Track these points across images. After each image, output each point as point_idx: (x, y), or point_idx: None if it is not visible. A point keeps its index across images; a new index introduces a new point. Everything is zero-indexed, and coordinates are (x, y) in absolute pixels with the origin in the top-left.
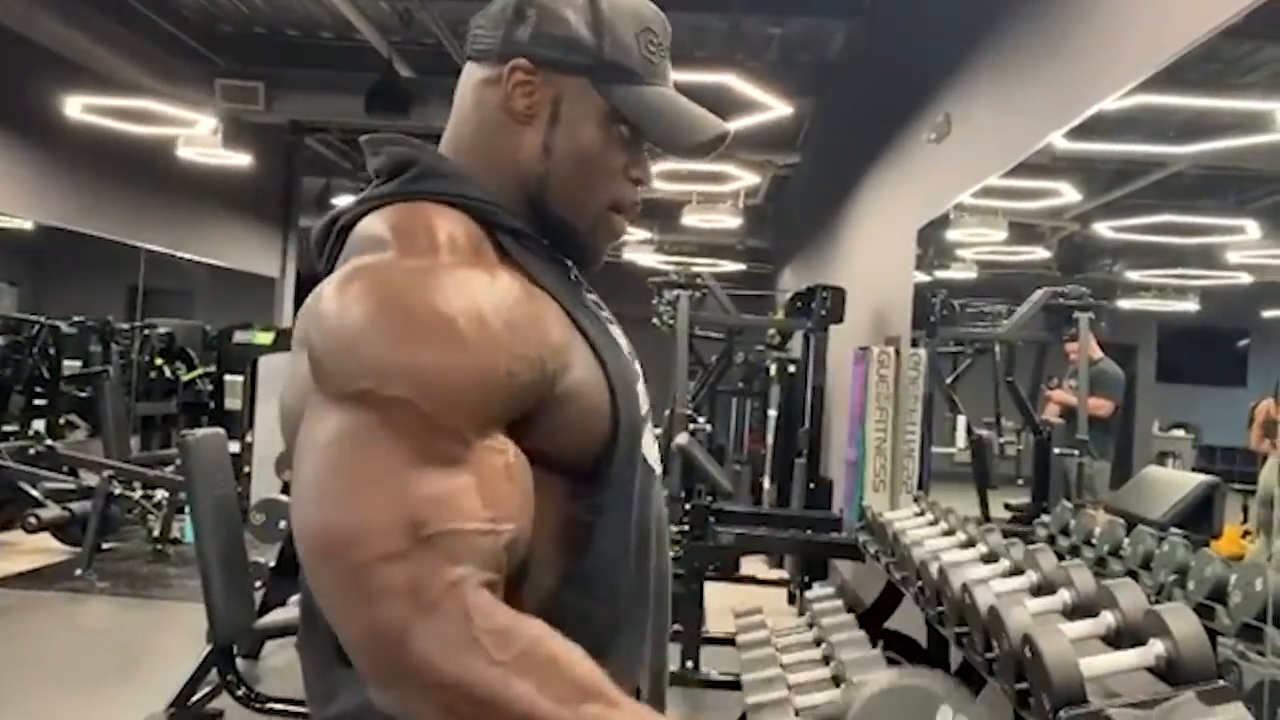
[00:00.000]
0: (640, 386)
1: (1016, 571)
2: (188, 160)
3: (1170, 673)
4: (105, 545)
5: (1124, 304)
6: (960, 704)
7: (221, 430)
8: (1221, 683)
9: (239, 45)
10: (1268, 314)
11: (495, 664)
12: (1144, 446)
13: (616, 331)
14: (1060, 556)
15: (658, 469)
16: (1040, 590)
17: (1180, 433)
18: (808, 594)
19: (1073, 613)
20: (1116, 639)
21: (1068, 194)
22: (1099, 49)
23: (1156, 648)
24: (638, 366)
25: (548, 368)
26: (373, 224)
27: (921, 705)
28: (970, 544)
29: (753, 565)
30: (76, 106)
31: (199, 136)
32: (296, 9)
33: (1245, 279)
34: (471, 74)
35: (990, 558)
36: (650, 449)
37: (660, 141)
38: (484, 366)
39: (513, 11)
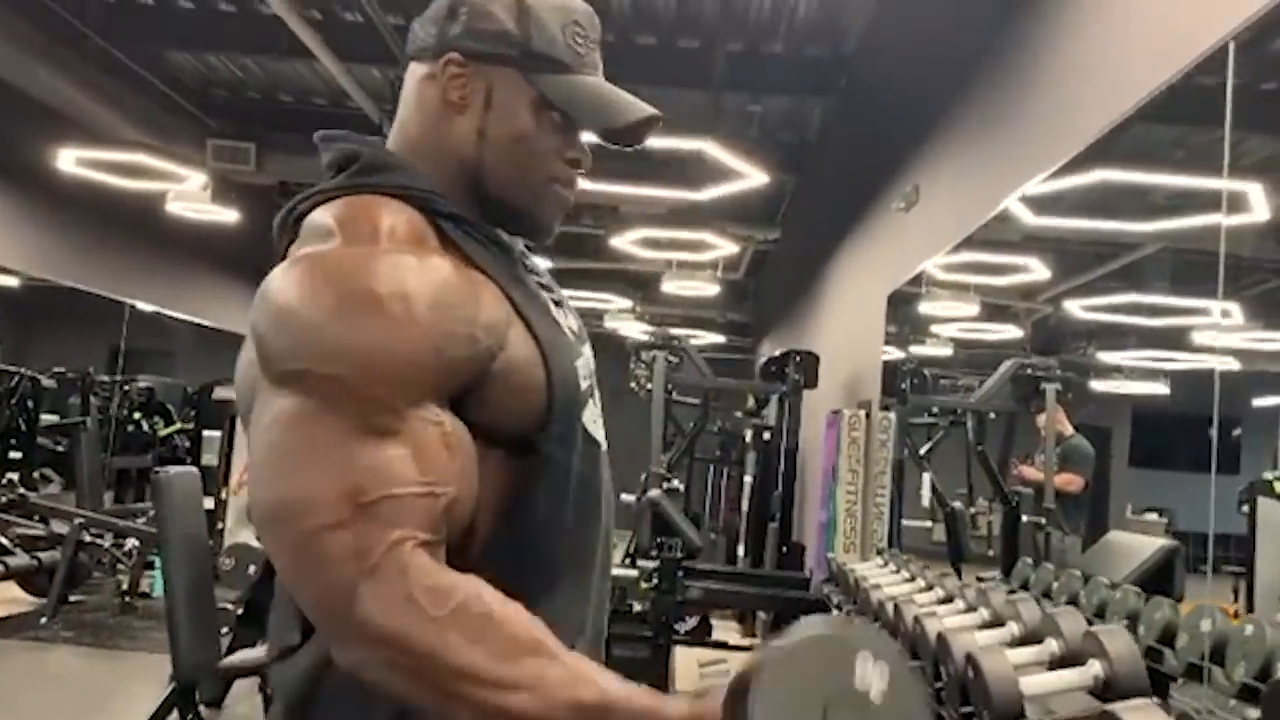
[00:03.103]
0: (581, 362)
1: (970, 610)
2: (176, 217)
3: (1106, 691)
4: (73, 597)
5: (1098, 385)
6: (880, 649)
7: (195, 470)
8: (1155, 700)
9: (232, 109)
10: (1259, 402)
11: (431, 620)
12: (1118, 529)
13: (559, 312)
14: None
15: (602, 444)
16: (990, 624)
17: (1154, 516)
18: None
19: (1020, 643)
20: (1060, 664)
21: (1038, 271)
22: (1052, 122)
23: (1094, 668)
24: (585, 349)
25: (480, 344)
26: (321, 216)
27: (839, 655)
28: (928, 589)
29: (725, 633)
30: (67, 159)
31: (188, 192)
32: (290, 75)
33: (1221, 363)
34: (414, 72)
35: (946, 600)
36: (593, 424)
37: (588, 124)
38: (413, 343)
39: (446, 11)
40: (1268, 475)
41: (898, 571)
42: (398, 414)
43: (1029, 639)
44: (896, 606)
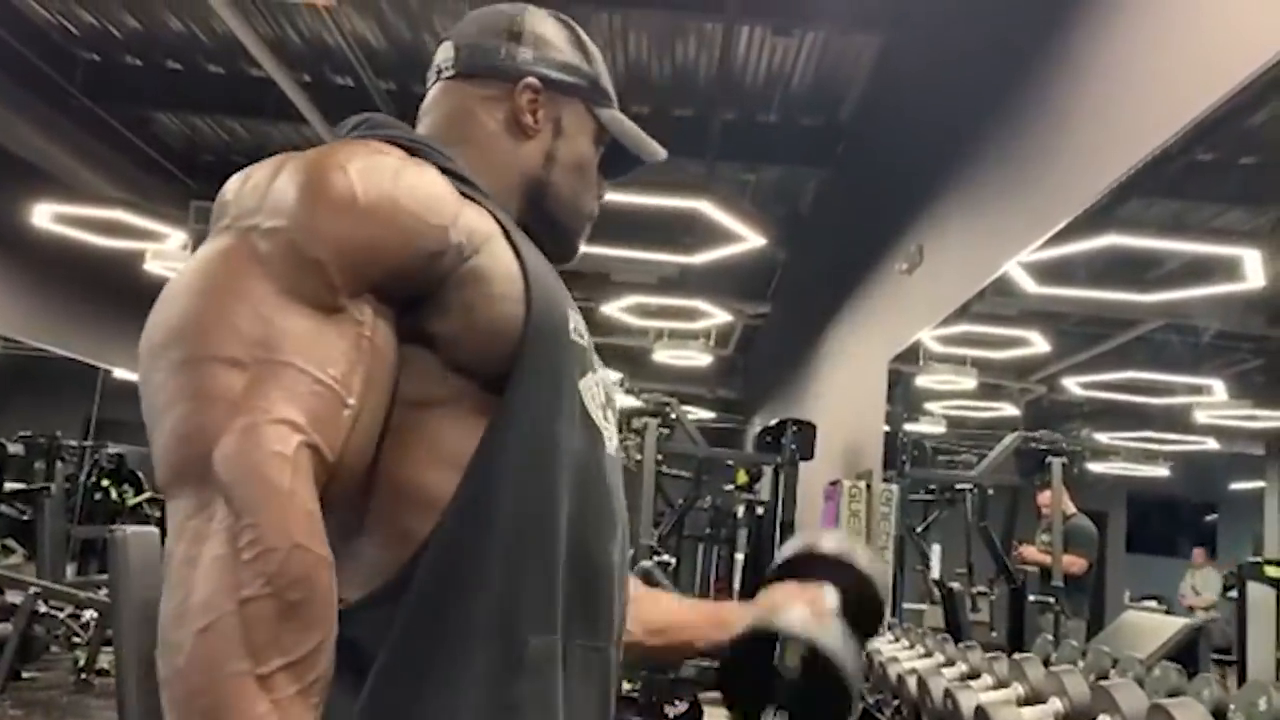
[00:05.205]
0: (575, 315)
1: (1001, 685)
2: (154, 278)
3: None
4: (25, 673)
5: (1093, 468)
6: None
7: (155, 530)
8: None
9: (217, 172)
10: (1235, 486)
11: (279, 542)
12: (1116, 615)
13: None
14: None
15: (608, 436)
16: (1031, 700)
17: (1153, 604)
18: None
19: (1068, 719)
20: None
21: (1036, 344)
22: (1063, 177)
23: None
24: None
25: (452, 238)
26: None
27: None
28: (950, 663)
29: None
30: (44, 215)
31: (167, 251)
32: (276, 139)
33: (1214, 445)
34: (461, 90)
35: (973, 674)
36: (593, 402)
37: (632, 158)
38: (374, 220)
39: (507, 34)
40: (1255, 559)
41: (912, 646)
42: (331, 287)
43: (1078, 715)
44: (921, 679)
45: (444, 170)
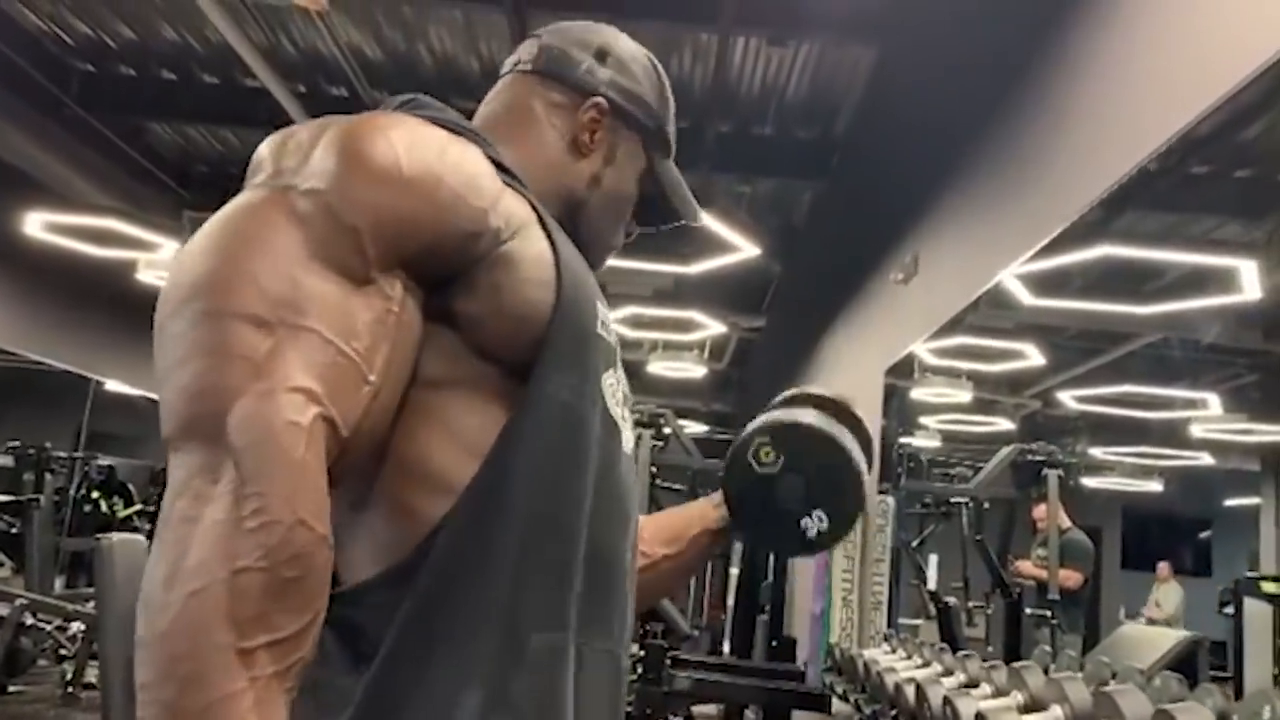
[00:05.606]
0: (603, 308)
1: (1001, 694)
2: (147, 288)
3: None
4: (13, 688)
5: (1088, 482)
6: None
7: (143, 539)
8: None
9: (210, 182)
10: (1230, 502)
11: (277, 499)
12: (1110, 632)
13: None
14: None
15: (624, 432)
16: (1031, 708)
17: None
18: None
19: None
20: None
21: (1032, 357)
22: (1059, 184)
23: None
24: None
25: (491, 222)
26: None
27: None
28: (949, 672)
29: None
30: (35, 224)
31: (160, 261)
32: None
33: (1209, 460)
34: (532, 87)
35: (971, 684)
36: (612, 399)
37: (672, 210)
38: (415, 192)
39: (595, 52)
40: (1251, 574)
41: (910, 657)
42: (363, 255)
43: None
44: (919, 688)
45: (492, 162)
